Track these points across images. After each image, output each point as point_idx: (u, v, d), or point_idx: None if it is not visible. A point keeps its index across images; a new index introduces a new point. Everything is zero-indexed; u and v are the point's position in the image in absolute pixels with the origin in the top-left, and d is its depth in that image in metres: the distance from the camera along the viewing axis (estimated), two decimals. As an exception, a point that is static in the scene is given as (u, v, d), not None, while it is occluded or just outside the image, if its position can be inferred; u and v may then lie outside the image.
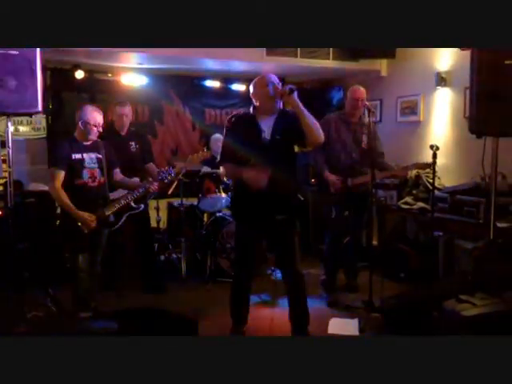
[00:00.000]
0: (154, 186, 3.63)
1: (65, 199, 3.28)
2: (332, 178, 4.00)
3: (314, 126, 2.95)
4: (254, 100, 3.13)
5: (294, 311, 3.25)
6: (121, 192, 3.67)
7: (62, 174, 3.31)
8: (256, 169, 2.95)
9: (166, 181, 3.70)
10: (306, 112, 2.94)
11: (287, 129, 3.04)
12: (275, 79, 3.06)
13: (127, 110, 4.31)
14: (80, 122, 3.38)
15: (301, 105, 2.92)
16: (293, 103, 2.91)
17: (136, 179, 3.98)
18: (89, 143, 3.46)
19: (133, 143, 4.31)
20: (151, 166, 4.44)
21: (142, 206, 3.67)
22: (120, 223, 3.52)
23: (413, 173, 4.83)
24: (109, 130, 4.21)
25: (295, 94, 2.89)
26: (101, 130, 3.46)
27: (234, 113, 3.33)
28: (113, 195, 3.60)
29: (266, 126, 3.05)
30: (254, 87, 3.12)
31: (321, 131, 3.00)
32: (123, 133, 4.31)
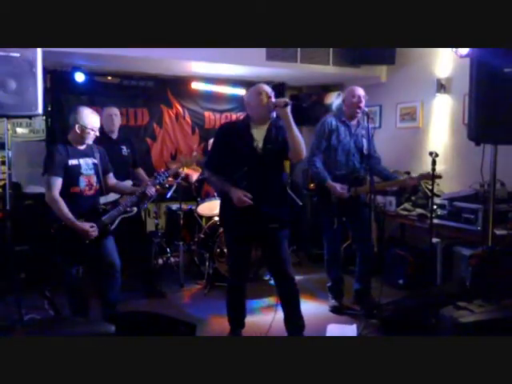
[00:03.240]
0: (152, 191, 3.49)
1: (65, 210, 3.07)
2: (337, 187, 3.76)
3: (299, 142, 3.01)
4: (247, 108, 3.17)
5: (289, 317, 3.25)
6: (113, 196, 3.64)
7: (59, 182, 3.11)
8: (241, 192, 2.99)
9: (164, 183, 3.63)
10: (294, 127, 2.99)
11: (278, 139, 3.09)
12: (268, 89, 3.09)
13: (115, 111, 4.33)
14: (76, 126, 3.19)
15: (291, 119, 2.96)
16: (284, 116, 2.95)
17: (129, 182, 3.97)
18: (83, 147, 3.28)
19: (124, 147, 4.32)
20: (140, 170, 4.47)
21: (135, 209, 3.58)
22: (114, 226, 3.38)
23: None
24: (100, 133, 4.22)
25: (289, 108, 2.94)
26: (98, 134, 3.33)
27: (226, 121, 3.33)
28: (105, 198, 3.54)
29: (259, 134, 3.09)
30: (248, 96, 3.17)
31: (304, 148, 3.05)
32: (114, 136, 4.31)
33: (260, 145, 3.07)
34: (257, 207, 3.00)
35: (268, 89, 3.10)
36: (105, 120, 4.26)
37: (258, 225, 3.06)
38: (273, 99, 3.04)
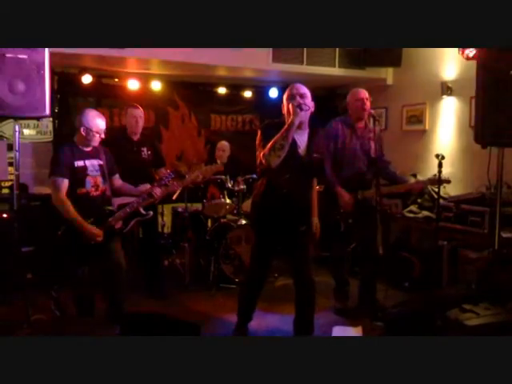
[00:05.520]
0: (157, 192, 3.48)
1: (72, 211, 3.10)
2: (346, 196, 3.73)
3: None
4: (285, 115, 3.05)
5: (300, 320, 3.23)
6: (126, 198, 3.63)
7: (66, 183, 3.14)
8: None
9: (168, 184, 3.59)
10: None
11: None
12: (300, 90, 3.02)
13: (140, 112, 4.26)
14: (82, 129, 3.23)
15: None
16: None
17: (146, 186, 3.96)
18: (89, 149, 3.31)
19: (144, 149, 4.27)
20: (162, 171, 4.44)
21: (151, 212, 3.54)
22: (128, 228, 3.40)
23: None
24: (121, 135, 4.21)
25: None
26: (103, 136, 3.33)
27: (269, 120, 3.20)
28: (118, 201, 3.55)
29: (301, 140, 3.03)
30: (284, 100, 3.06)
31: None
32: (136, 138, 4.27)
33: (303, 152, 3.03)
34: (290, 208, 3.02)
35: (300, 90, 3.04)
36: (128, 121, 4.24)
37: (288, 226, 3.07)
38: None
